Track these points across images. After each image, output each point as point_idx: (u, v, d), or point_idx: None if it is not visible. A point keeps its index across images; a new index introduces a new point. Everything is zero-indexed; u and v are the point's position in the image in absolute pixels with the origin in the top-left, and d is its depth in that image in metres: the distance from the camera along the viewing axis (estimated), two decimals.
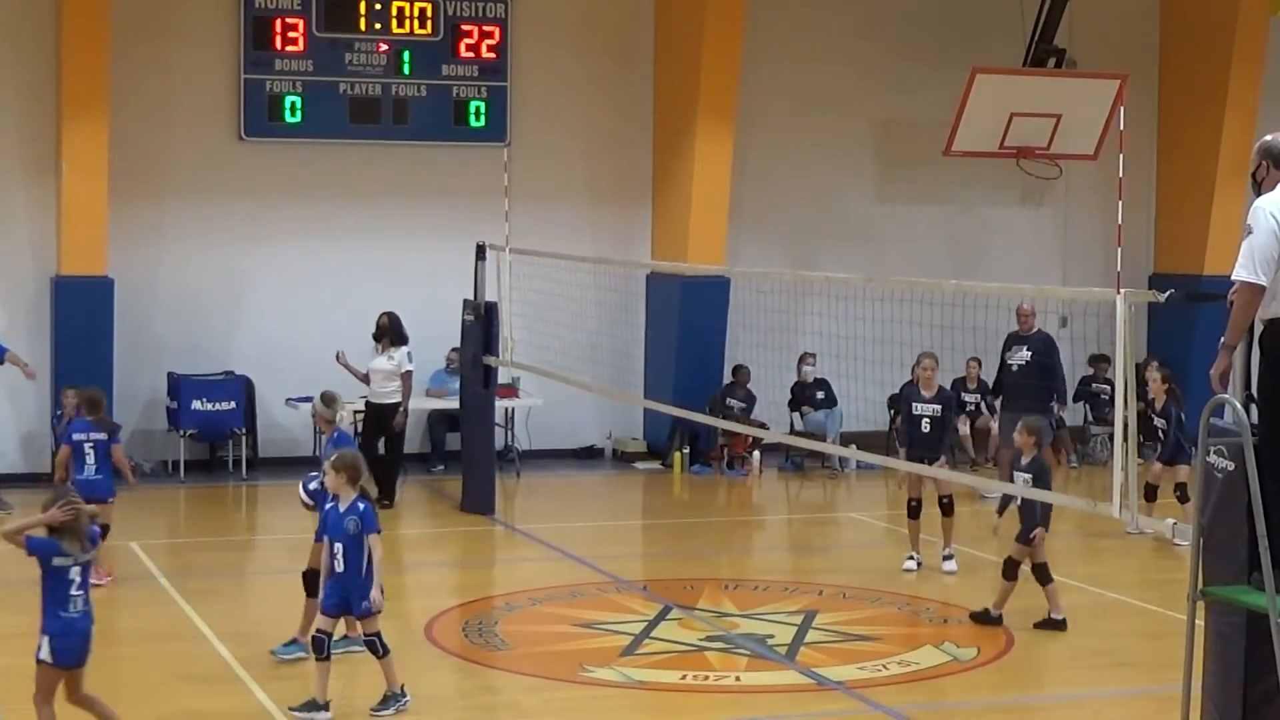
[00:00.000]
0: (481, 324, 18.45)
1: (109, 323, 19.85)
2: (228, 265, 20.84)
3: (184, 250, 20.69)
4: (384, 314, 18.78)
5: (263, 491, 19.78)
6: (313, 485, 12.13)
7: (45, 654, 9.68)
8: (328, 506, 11.31)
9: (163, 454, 20.10)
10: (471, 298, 18.71)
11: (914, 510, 15.62)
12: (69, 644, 9.71)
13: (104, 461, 14.72)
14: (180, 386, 20.16)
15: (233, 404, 20.22)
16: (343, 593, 11.01)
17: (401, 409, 18.62)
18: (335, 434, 13.66)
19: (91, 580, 14.23)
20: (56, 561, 9.67)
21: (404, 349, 18.65)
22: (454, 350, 20.20)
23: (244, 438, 20.39)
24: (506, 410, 20.93)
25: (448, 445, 20.87)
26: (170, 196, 20.63)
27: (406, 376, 18.66)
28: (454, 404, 19.85)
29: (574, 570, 15.82)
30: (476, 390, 18.67)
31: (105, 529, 14.65)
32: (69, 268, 19.84)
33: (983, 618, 13.60)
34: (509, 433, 21.25)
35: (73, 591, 9.72)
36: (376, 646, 11.08)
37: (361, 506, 11.10)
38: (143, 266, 20.39)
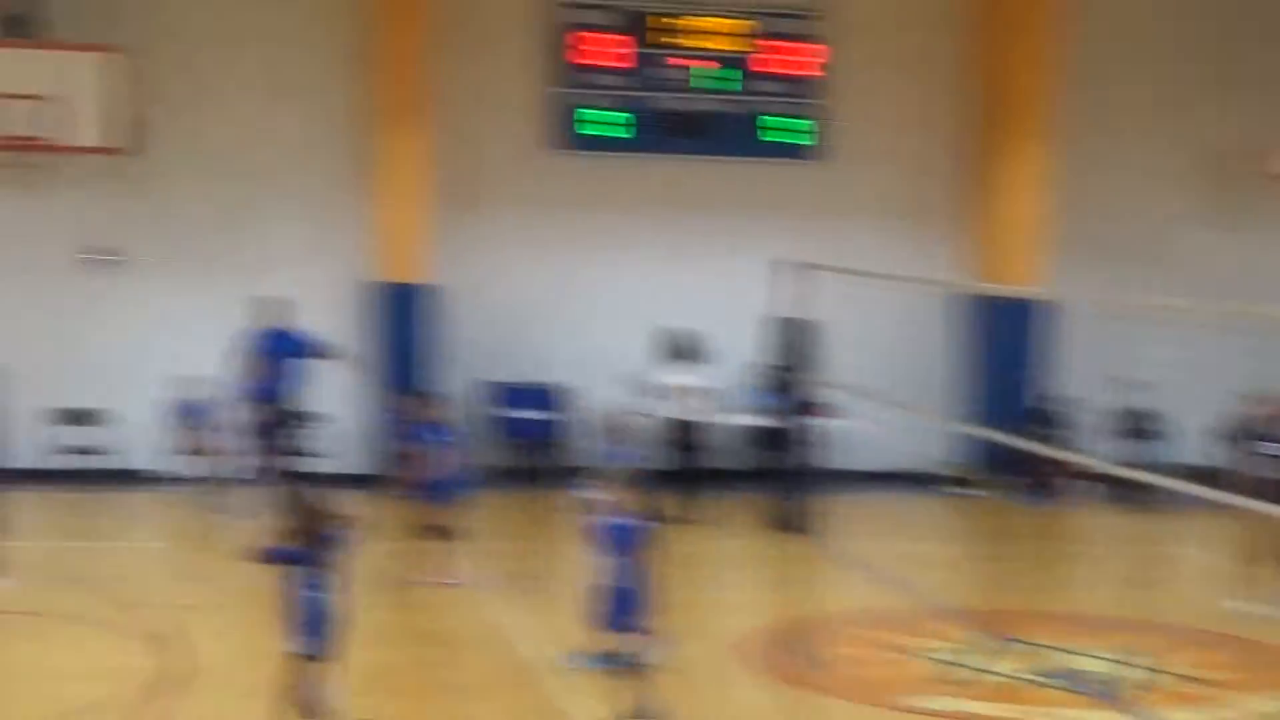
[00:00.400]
0: (798, 342, 18.29)
1: (434, 329, 20.23)
2: (545, 275, 21.08)
3: (503, 260, 20.99)
4: (684, 330, 18.77)
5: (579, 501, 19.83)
6: (590, 495, 12.07)
7: (295, 647, 9.81)
8: (604, 520, 11.17)
9: (482, 461, 20.27)
10: (788, 316, 18.53)
11: (1257, 555, 14.90)
12: (315, 639, 9.81)
13: (450, 464, 15.00)
14: (500, 394, 20.45)
15: (551, 413, 20.43)
16: (614, 607, 10.90)
17: (706, 425, 18.58)
18: (620, 447, 13.62)
19: (444, 580, 14.68)
20: (294, 566, 9.76)
21: (705, 365, 18.58)
22: (770, 368, 20.06)
23: (561, 446, 20.55)
24: (822, 430, 20.66)
25: (763, 464, 20.73)
26: (490, 207, 20.97)
27: (709, 393, 18.58)
28: (769, 422, 19.69)
29: (889, 594, 15.52)
30: (792, 409, 18.52)
31: (450, 531, 14.99)
32: (395, 275, 20.28)
33: None
34: (823, 453, 20.99)
35: (314, 594, 9.77)
36: (630, 664, 10.89)
37: (637, 523, 10.94)
38: (465, 275, 20.74)
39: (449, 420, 15.45)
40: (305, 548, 9.77)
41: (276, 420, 18.23)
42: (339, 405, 19.92)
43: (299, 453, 18.59)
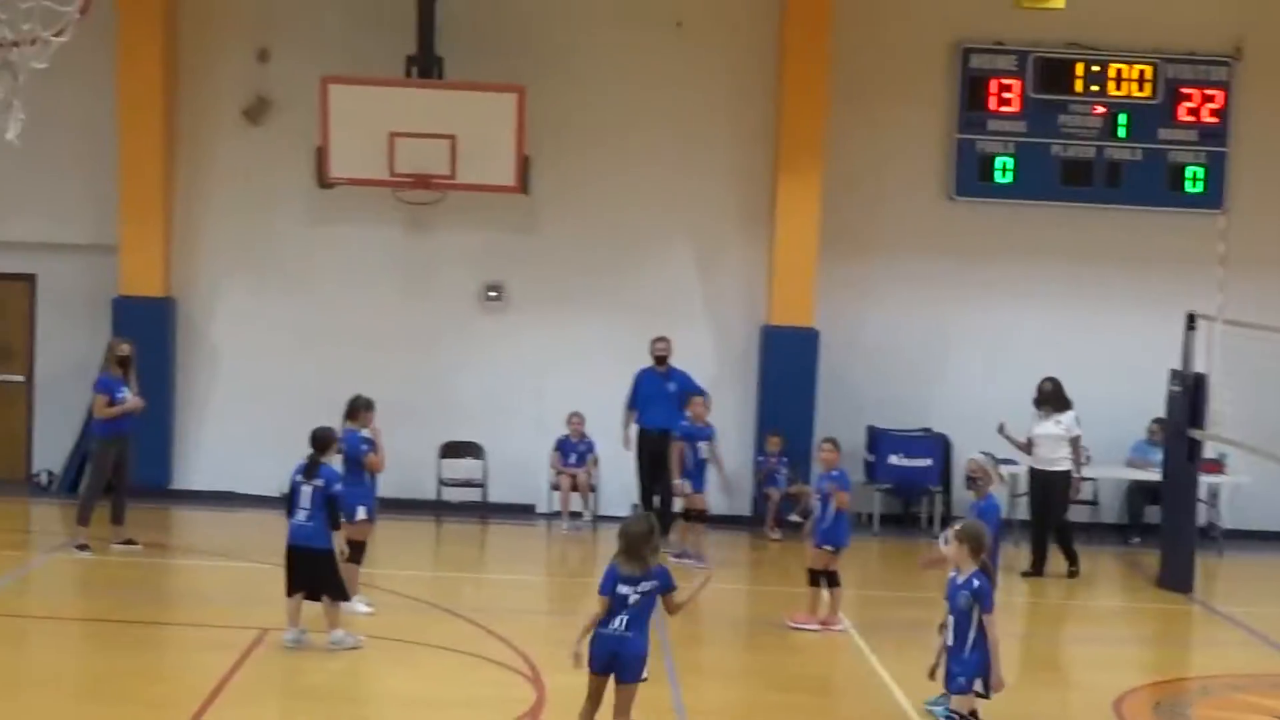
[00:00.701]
0: (1188, 396, 17.83)
1: (813, 373, 20.31)
2: (931, 322, 20.96)
3: (888, 305, 20.95)
4: (1047, 379, 18.50)
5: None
6: (945, 546, 11.98)
7: (591, 666, 10.45)
8: (951, 574, 11.11)
9: (858, 506, 20.17)
10: (1179, 368, 18.10)
11: None
12: (595, 653, 10.36)
13: (837, 509, 15.19)
14: (879, 440, 20.42)
15: (929, 461, 20.33)
16: (950, 664, 10.86)
17: (1075, 474, 18.29)
18: (984, 501, 13.50)
19: (824, 625, 14.75)
20: (620, 589, 10.36)
21: (1070, 413, 18.28)
22: (1156, 421, 19.62)
23: (938, 495, 20.43)
24: (1210, 486, 20.12)
25: (1146, 518, 20.27)
26: (877, 252, 20.93)
27: (1075, 441, 18.26)
28: (1155, 476, 19.22)
29: (1276, 659, 14.98)
30: (1180, 464, 18.05)
31: (833, 576, 15.16)
32: (778, 318, 20.42)
33: None
34: (1212, 509, 20.42)
35: (619, 613, 10.33)
36: None
37: (976, 583, 10.84)
38: (847, 320, 20.75)
39: (837, 465, 15.51)
40: (625, 564, 10.38)
41: (663, 457, 18.54)
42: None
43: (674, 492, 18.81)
